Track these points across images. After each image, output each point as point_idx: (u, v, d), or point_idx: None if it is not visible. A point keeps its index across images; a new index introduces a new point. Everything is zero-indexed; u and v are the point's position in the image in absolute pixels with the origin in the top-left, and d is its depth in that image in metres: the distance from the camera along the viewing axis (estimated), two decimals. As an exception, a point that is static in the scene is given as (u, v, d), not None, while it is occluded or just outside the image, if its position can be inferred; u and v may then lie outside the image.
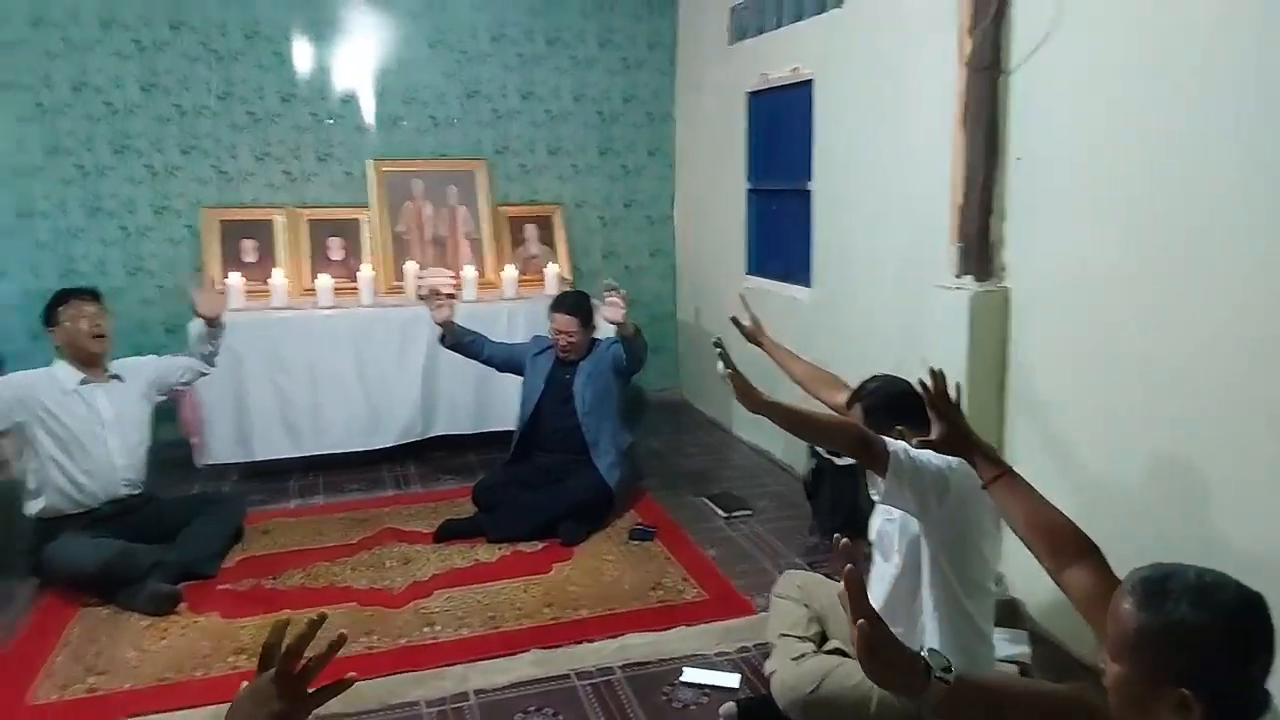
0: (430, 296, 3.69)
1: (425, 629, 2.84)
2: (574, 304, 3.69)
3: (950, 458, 1.80)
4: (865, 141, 3.60)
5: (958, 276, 2.92)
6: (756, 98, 4.60)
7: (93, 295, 3.20)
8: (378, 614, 2.93)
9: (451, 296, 4.30)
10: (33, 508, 3.08)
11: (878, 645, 1.13)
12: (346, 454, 4.31)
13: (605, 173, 5.42)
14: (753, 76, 4.51)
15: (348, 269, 4.65)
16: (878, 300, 3.55)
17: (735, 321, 2.82)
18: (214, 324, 3.42)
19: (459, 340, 3.76)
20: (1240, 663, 1.07)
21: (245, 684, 1.08)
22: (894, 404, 2.14)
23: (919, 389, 1.69)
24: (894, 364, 3.12)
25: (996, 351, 2.84)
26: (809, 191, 4.07)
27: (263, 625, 2.86)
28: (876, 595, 2.22)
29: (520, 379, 3.88)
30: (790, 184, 4.27)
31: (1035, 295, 2.75)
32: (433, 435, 4.45)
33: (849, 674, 2.09)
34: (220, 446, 4.14)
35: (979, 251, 2.89)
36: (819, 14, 3.87)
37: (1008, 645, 2.44)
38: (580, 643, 2.73)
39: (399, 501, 3.99)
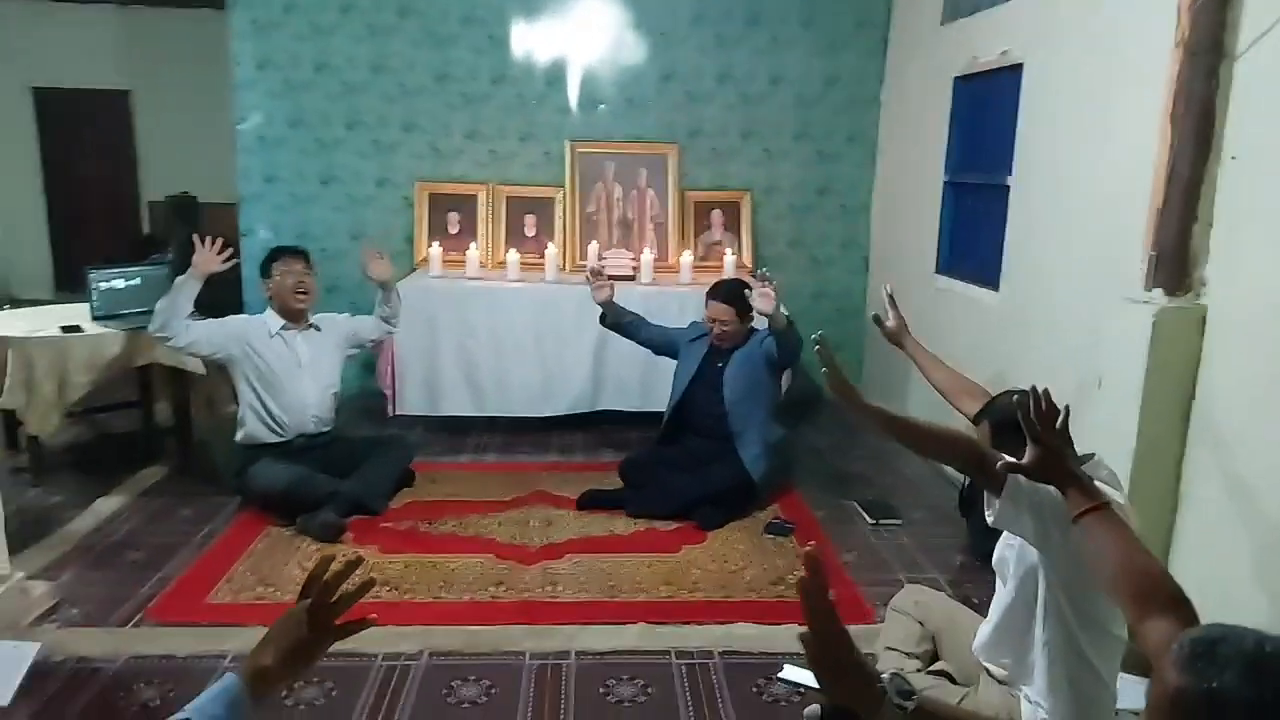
0: (592, 276, 3.81)
1: (548, 588, 2.98)
2: (729, 292, 3.65)
3: None
4: (1070, 134, 3.27)
5: (1147, 289, 2.60)
6: (963, 83, 4.30)
7: (301, 255, 3.60)
8: (511, 568, 3.11)
9: (631, 278, 4.44)
10: (238, 435, 3.55)
11: (821, 660, 1.13)
12: (523, 418, 4.58)
13: (799, 158, 5.28)
14: (962, 59, 4.22)
15: (538, 245, 4.90)
16: (1066, 310, 3.23)
17: (877, 319, 2.68)
18: (385, 288, 3.73)
19: (618, 320, 3.86)
20: None
21: (287, 610, 1.20)
22: (1027, 422, 1.95)
23: (1018, 406, 1.53)
24: (1078, 380, 2.84)
25: (1183, 377, 2.49)
26: (1007, 187, 3.77)
27: (410, 563, 3.13)
28: (990, 621, 2.07)
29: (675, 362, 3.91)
30: (989, 178, 3.97)
31: (1237, 317, 2.38)
32: (600, 409, 4.61)
33: (946, 697, 1.98)
34: (411, 399, 4.54)
35: (1175, 262, 2.54)
36: (1036, -12, 3.54)
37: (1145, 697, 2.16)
38: (688, 624, 2.75)
39: (558, 468, 4.18)
